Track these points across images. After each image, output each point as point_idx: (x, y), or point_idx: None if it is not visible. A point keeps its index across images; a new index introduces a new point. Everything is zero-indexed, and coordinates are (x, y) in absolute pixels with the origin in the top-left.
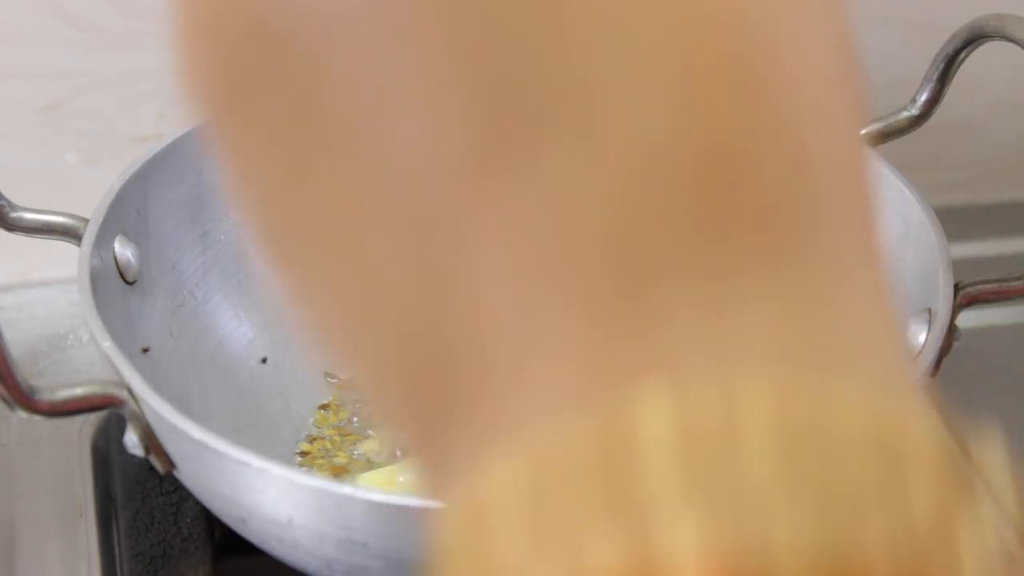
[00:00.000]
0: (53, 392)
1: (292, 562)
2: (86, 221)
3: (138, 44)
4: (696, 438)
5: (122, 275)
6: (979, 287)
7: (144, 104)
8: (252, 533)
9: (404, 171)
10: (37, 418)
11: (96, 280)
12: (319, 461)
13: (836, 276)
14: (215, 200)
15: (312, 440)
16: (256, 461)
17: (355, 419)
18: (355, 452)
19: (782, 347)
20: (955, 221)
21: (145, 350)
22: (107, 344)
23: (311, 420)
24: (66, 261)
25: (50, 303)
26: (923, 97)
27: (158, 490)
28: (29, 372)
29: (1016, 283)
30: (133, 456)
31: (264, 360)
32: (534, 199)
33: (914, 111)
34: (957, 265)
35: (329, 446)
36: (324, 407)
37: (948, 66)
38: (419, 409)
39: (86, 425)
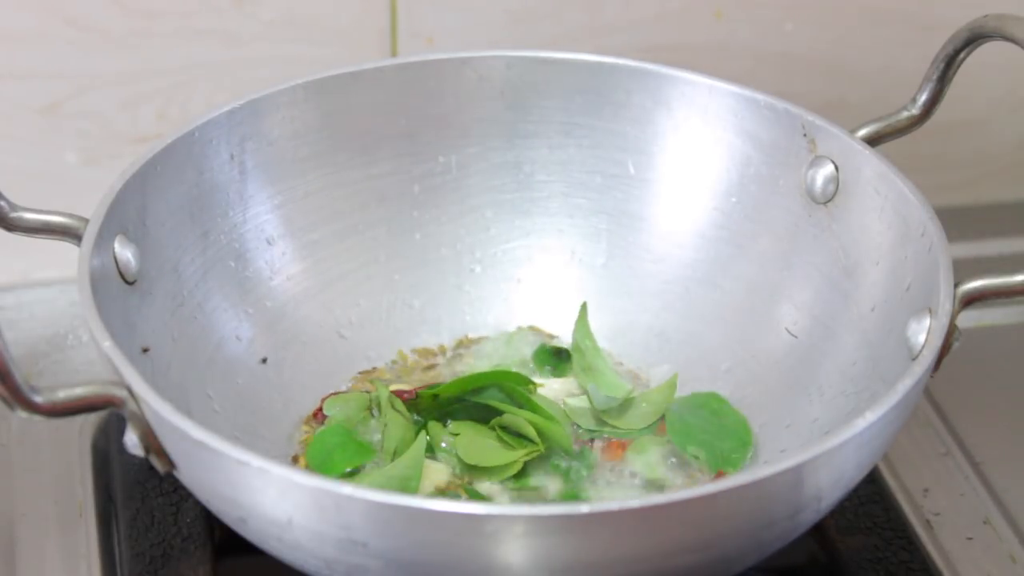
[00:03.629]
0: (53, 392)
1: (292, 562)
2: (86, 221)
3: (138, 44)
4: None
5: (122, 275)
6: (979, 287)
7: (144, 104)
8: (252, 533)
9: None
10: (37, 418)
11: (96, 280)
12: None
13: None
14: (215, 200)
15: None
16: (256, 461)
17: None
18: None
19: None
20: (955, 221)
21: (145, 350)
22: (107, 344)
23: (305, 422)
24: (66, 261)
25: (50, 303)
26: (923, 97)
27: (158, 490)
28: (29, 372)
29: (1016, 283)
30: (133, 456)
31: (264, 360)
32: None
33: (914, 111)
34: (957, 265)
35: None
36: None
37: (948, 66)
38: None
39: (86, 425)
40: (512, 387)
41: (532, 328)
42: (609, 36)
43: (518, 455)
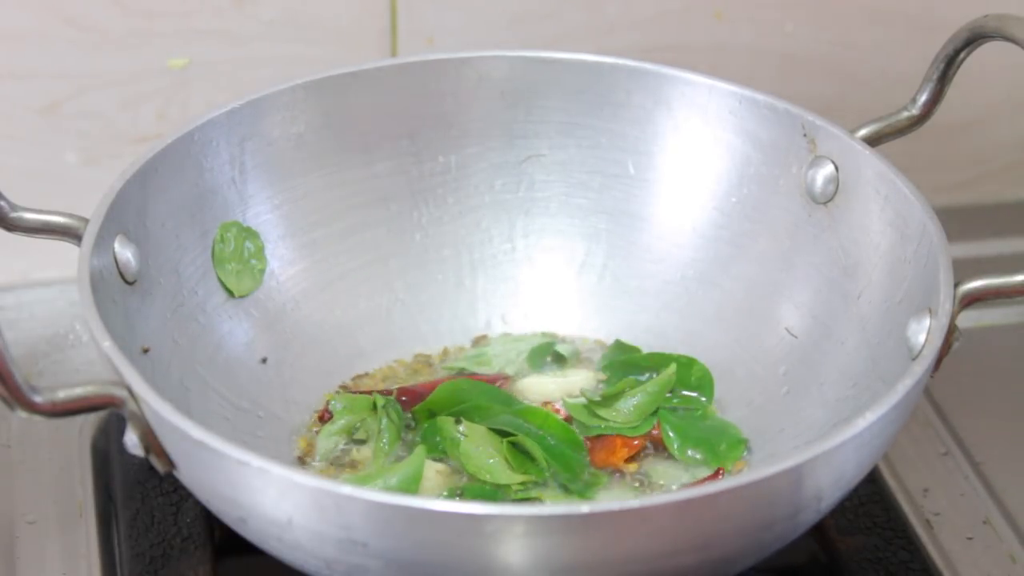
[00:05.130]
0: (53, 392)
1: (292, 562)
2: (86, 221)
3: (138, 44)
4: None
5: (122, 275)
6: (979, 287)
7: (144, 104)
8: (252, 533)
9: None
10: (37, 418)
11: (96, 280)
12: (318, 461)
13: None
14: (215, 200)
15: (311, 440)
16: (256, 461)
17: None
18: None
19: None
20: (955, 221)
21: (145, 350)
22: (107, 344)
23: (310, 420)
24: (66, 261)
25: (50, 303)
26: (923, 97)
27: (158, 490)
28: (29, 372)
29: (1016, 283)
30: (133, 456)
31: (264, 360)
32: None
33: (914, 111)
34: (957, 265)
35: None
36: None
37: (948, 66)
38: None
39: (86, 425)
40: (530, 412)
41: (534, 331)
42: (609, 36)
43: (516, 479)
